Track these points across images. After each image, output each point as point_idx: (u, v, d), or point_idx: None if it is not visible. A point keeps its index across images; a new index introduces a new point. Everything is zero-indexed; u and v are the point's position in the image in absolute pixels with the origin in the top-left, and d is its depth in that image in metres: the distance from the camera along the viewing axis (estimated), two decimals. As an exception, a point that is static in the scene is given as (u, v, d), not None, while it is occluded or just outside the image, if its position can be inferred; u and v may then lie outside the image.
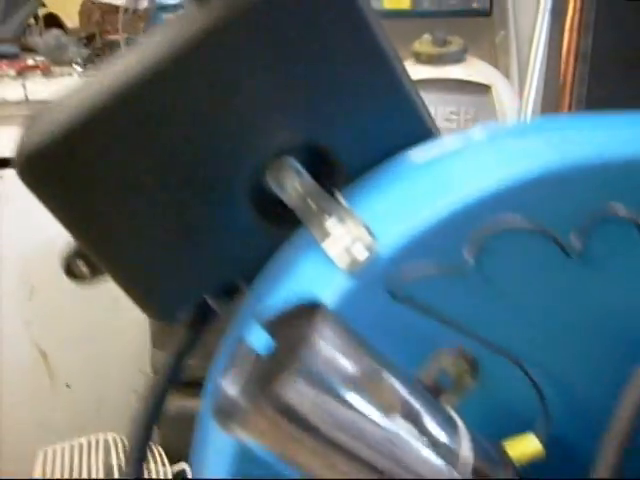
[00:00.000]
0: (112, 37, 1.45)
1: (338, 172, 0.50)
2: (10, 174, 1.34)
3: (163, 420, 1.20)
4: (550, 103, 1.75)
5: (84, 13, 1.63)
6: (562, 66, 1.77)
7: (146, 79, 0.43)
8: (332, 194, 0.48)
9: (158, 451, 1.22)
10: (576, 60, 1.75)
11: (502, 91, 1.71)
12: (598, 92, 1.65)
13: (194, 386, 1.21)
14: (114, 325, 1.45)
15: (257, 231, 0.50)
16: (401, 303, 0.43)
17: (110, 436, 1.20)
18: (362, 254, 0.42)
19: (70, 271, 0.52)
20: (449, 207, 0.43)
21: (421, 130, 0.51)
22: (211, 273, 0.51)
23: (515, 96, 1.75)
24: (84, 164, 0.45)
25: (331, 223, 0.45)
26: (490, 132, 0.50)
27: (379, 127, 0.49)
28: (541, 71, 1.71)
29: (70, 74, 1.34)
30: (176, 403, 1.26)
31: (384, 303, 0.43)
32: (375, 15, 0.47)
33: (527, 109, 1.69)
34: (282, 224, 0.50)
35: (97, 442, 1.17)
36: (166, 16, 1.23)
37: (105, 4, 1.65)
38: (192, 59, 0.44)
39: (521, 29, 1.90)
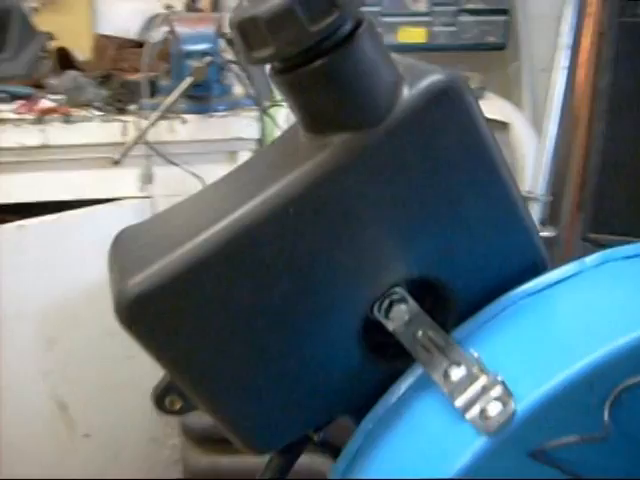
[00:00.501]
0: (131, 76, 1.42)
1: (450, 307, 0.47)
2: (31, 223, 1.30)
3: (194, 474, 1.17)
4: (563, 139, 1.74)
5: (98, 49, 1.59)
6: (576, 102, 1.76)
7: (266, 220, 0.40)
8: (447, 333, 0.46)
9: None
10: (593, 96, 1.74)
11: (520, 129, 1.70)
12: (616, 129, 1.64)
13: (224, 443, 1.18)
14: (131, 374, 1.42)
15: (365, 365, 0.47)
16: (539, 462, 0.41)
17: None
18: (499, 413, 0.40)
19: (161, 405, 0.49)
20: (588, 364, 0.40)
21: (535, 260, 0.49)
22: (314, 409, 0.48)
23: (531, 132, 1.73)
24: (192, 306, 0.42)
25: (458, 373, 0.43)
26: (606, 260, 0.48)
27: (495, 259, 0.47)
28: (561, 109, 1.70)
29: (90, 119, 1.30)
30: (208, 458, 1.24)
31: (518, 460, 0.41)
32: (497, 147, 0.45)
33: (545, 147, 1.69)
34: (391, 358, 0.47)
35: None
36: (193, 64, 1.20)
37: (120, 39, 1.62)
38: (314, 199, 0.41)
39: (535, 60, 1.89)
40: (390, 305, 0.47)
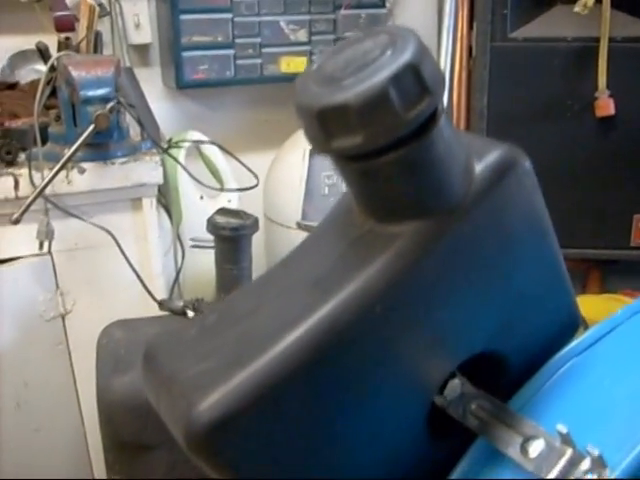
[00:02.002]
0: (13, 123, 1.30)
1: (504, 377, 0.47)
2: None
3: None
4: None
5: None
6: (454, 123, 1.83)
7: (355, 319, 0.38)
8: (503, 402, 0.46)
9: None
10: (468, 117, 1.82)
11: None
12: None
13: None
14: (40, 449, 1.31)
15: (429, 448, 0.46)
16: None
17: None
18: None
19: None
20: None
21: (574, 317, 0.49)
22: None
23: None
24: (276, 423, 0.38)
25: (536, 447, 0.42)
26: (635, 312, 0.49)
27: (544, 322, 0.47)
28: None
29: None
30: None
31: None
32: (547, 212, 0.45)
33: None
34: (453, 437, 0.46)
35: None
36: (95, 111, 1.12)
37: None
38: (396, 293, 0.39)
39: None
40: (445, 381, 0.46)
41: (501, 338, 0.45)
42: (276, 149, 1.69)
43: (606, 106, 1.64)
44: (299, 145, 1.62)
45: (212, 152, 1.47)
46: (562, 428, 0.41)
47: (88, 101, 1.13)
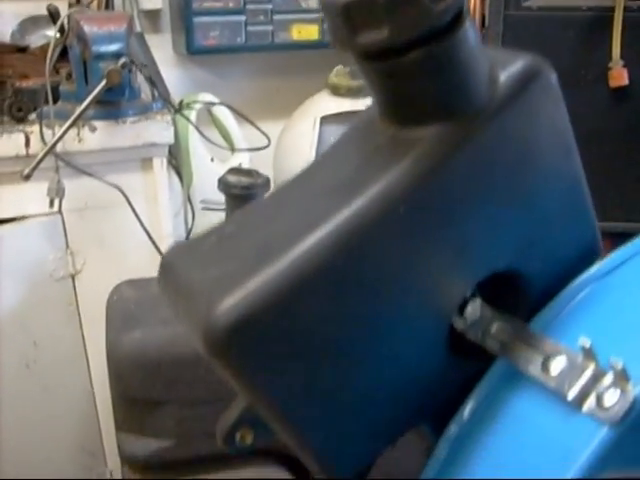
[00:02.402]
0: (24, 83, 1.30)
1: (524, 300, 0.46)
2: None
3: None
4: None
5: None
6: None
7: (379, 220, 0.37)
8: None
9: None
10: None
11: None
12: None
13: (174, 467, 1.11)
14: (49, 408, 1.31)
15: (448, 368, 0.45)
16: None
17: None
18: (618, 400, 0.39)
19: (231, 442, 0.45)
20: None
21: (595, 244, 0.48)
22: (396, 422, 0.45)
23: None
24: (295, 325, 0.37)
25: (558, 365, 0.42)
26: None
27: (565, 245, 0.46)
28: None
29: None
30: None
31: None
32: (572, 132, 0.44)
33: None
34: (472, 359, 0.46)
35: None
36: (107, 67, 1.11)
37: (-1, 44, 1.48)
38: (418, 197, 0.38)
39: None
40: (464, 302, 0.45)
41: (522, 257, 0.44)
42: (286, 117, 1.69)
43: (620, 76, 1.63)
44: (309, 113, 1.61)
45: (223, 114, 1.46)
46: (585, 341, 0.41)
47: (100, 57, 1.13)
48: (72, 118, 1.12)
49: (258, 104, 1.80)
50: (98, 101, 1.19)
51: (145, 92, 1.35)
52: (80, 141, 1.22)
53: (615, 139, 1.65)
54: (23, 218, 1.24)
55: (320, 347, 0.39)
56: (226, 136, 1.48)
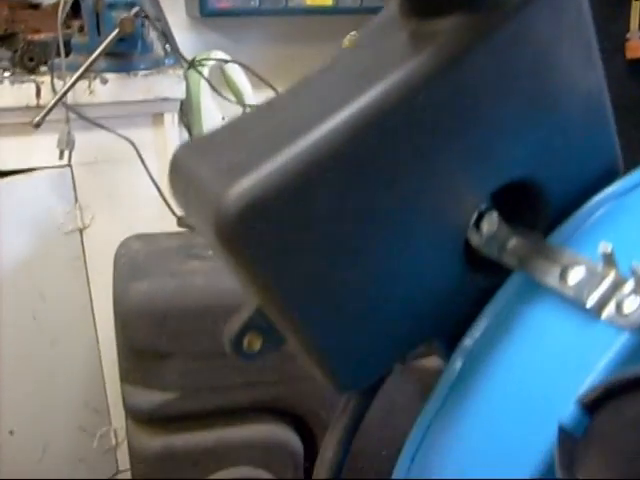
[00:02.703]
0: (36, 36, 1.29)
1: (542, 213, 0.45)
2: None
3: (144, 458, 1.09)
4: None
5: (-11, 10, 1.43)
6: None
7: (397, 105, 0.36)
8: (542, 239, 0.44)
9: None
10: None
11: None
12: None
13: (178, 421, 1.11)
14: (55, 361, 1.31)
15: (463, 281, 0.44)
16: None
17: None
18: (638, 306, 0.38)
19: (239, 348, 0.44)
20: None
21: (615, 162, 0.47)
22: (408, 333, 0.44)
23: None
24: (308, 212, 0.36)
25: (576, 274, 0.41)
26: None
27: (584, 159, 0.45)
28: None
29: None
30: (160, 440, 1.15)
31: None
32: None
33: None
34: (488, 274, 0.44)
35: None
36: (119, 15, 1.10)
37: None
38: (438, 86, 0.37)
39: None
40: (480, 216, 0.44)
41: (539, 166, 0.43)
42: (298, 82, 1.67)
43: (637, 47, 1.61)
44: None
45: (235, 72, 1.45)
46: (605, 247, 0.40)
47: (113, 5, 1.12)
48: (84, 65, 1.11)
49: (270, 68, 1.79)
50: (110, 53, 1.18)
51: (157, 49, 1.33)
52: (91, 93, 1.21)
53: (632, 110, 1.63)
54: (32, 170, 1.23)
55: (333, 241, 0.38)
56: (237, 94, 1.47)
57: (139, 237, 1.19)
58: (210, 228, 0.36)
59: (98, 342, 1.33)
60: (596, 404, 0.34)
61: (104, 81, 1.21)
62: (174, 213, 1.24)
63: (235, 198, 0.35)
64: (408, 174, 0.38)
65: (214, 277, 1.06)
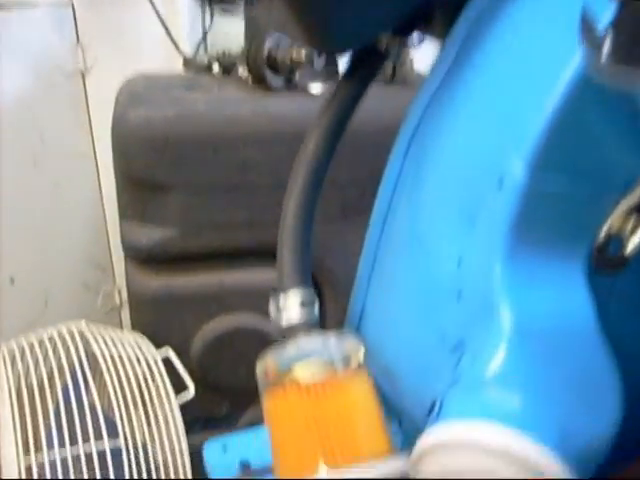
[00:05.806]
0: None
1: None
2: None
3: (143, 299, 1.05)
4: None
5: None
6: None
7: None
8: None
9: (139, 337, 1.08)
10: None
11: None
12: None
13: (178, 262, 1.06)
14: (59, 207, 1.27)
15: None
16: None
17: (81, 324, 1.04)
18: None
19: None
20: None
21: None
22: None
23: None
24: None
25: None
26: None
27: None
28: None
29: None
30: (159, 280, 1.11)
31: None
32: None
33: None
34: None
35: (68, 332, 1.00)
36: None
37: None
38: None
39: None
40: None
41: None
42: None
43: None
44: None
45: None
46: None
47: None
48: None
49: None
50: None
51: None
52: None
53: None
54: (31, 5, 1.17)
55: None
56: None
57: (142, 76, 1.13)
58: None
59: (101, 192, 1.28)
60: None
61: None
62: (181, 53, 1.17)
63: None
64: None
65: (217, 104, 1.00)
